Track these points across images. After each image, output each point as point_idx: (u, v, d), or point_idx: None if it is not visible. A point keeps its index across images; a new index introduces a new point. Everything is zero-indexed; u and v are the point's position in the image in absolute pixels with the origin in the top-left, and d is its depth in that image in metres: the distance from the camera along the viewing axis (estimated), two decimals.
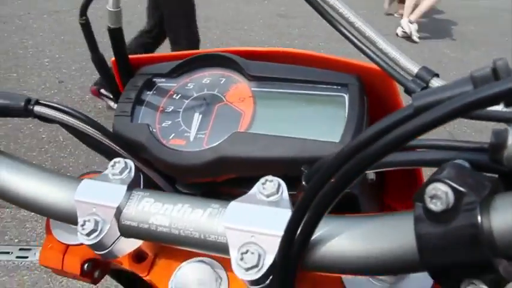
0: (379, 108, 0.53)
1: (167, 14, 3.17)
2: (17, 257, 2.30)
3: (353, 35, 0.46)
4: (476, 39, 5.47)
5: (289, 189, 0.42)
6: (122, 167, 0.46)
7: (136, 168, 0.47)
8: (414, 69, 0.43)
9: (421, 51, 4.93)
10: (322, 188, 0.32)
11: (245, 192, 0.50)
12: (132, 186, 0.45)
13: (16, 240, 2.36)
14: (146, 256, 0.53)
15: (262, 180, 0.40)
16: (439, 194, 0.29)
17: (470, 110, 0.24)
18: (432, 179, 0.30)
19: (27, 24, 4.39)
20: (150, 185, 0.55)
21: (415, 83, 0.43)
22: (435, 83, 0.42)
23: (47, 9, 4.71)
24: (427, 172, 0.44)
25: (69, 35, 4.12)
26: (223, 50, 0.57)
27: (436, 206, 0.29)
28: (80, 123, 0.51)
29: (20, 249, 2.36)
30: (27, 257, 2.29)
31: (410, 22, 5.25)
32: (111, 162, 0.46)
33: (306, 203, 0.33)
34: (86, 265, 0.57)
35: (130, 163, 0.47)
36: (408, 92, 0.43)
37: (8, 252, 2.32)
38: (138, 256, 0.53)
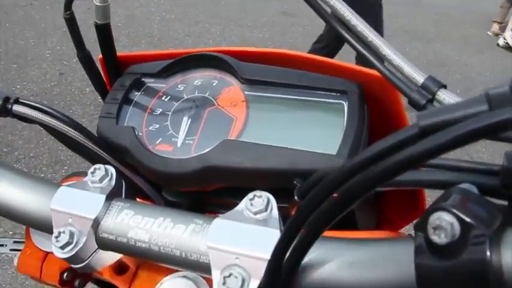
0: (380, 118, 0.50)
1: None
2: (11, 250, 2.27)
3: (355, 39, 0.43)
4: None
5: (280, 201, 0.39)
6: (102, 174, 0.42)
7: (119, 175, 0.44)
8: (420, 79, 0.39)
9: None
10: (315, 210, 0.29)
11: (235, 203, 0.47)
12: (112, 195, 0.42)
13: (11, 233, 2.34)
14: (127, 268, 0.50)
15: (250, 195, 0.37)
16: (444, 225, 0.26)
17: (488, 134, 0.21)
18: (436, 207, 0.27)
19: (29, 15, 4.35)
20: (136, 192, 0.52)
21: (420, 94, 0.39)
22: (442, 95, 0.38)
23: (49, 1, 4.67)
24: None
25: None
26: (216, 49, 0.54)
27: (439, 238, 0.26)
28: (62, 124, 0.47)
29: (14, 242, 2.32)
30: (21, 250, 2.27)
31: None
32: (91, 169, 0.43)
33: (297, 224, 0.30)
34: (65, 274, 0.54)
35: (112, 170, 0.43)
36: (412, 103, 0.40)
37: (2, 245, 2.29)
38: (119, 268, 0.50)
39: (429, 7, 6.12)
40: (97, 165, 0.43)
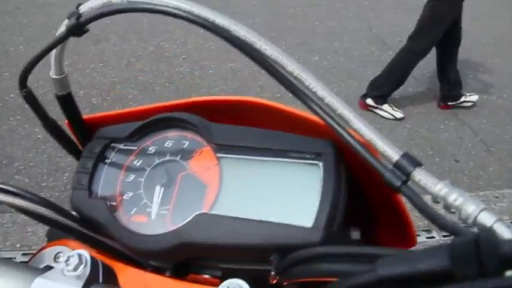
0: (358, 165, 0.49)
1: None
2: (20, 262, 2.30)
3: (324, 110, 0.40)
4: None
5: (262, 265, 0.38)
6: (76, 262, 0.42)
7: (103, 249, 0.44)
8: (394, 156, 0.37)
9: None
10: None
11: (218, 266, 0.46)
12: (89, 282, 0.42)
13: (18, 245, 2.36)
14: None
15: (223, 286, 0.37)
16: None
17: None
18: None
19: (16, 20, 4.31)
20: (120, 256, 0.52)
21: (394, 175, 0.37)
22: (418, 175, 0.36)
23: (36, 3, 4.61)
24: None
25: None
26: (183, 102, 0.53)
27: None
28: (31, 204, 0.47)
29: (23, 254, 2.36)
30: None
31: None
32: (65, 257, 0.43)
33: None
34: None
35: (86, 255, 0.43)
36: (387, 184, 0.38)
37: (11, 258, 2.32)
38: None
39: None
40: (70, 253, 0.43)
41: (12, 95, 3.33)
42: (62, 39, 0.46)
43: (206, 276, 0.52)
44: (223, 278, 0.39)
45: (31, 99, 0.53)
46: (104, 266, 0.45)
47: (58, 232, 0.58)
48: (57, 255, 0.56)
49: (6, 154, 2.84)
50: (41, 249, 0.58)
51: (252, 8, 4.95)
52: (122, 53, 3.89)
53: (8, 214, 2.46)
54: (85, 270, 0.42)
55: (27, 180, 2.68)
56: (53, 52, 0.49)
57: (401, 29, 4.38)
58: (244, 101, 0.53)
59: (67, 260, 0.43)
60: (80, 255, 0.43)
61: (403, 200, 0.51)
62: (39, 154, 2.88)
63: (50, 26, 4.16)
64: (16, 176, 2.69)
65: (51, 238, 0.63)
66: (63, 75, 0.52)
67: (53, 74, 0.52)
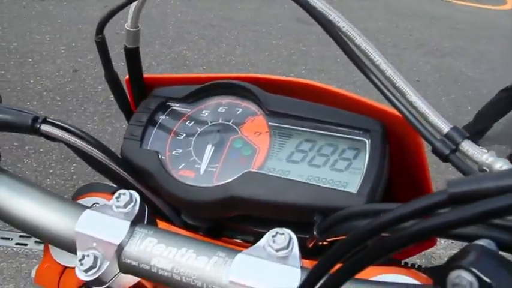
0: (400, 155, 0.51)
1: None
2: (17, 244, 2.30)
3: (382, 83, 0.44)
4: None
5: (300, 232, 0.40)
6: (127, 200, 0.44)
7: (142, 199, 0.45)
8: (444, 128, 0.40)
9: None
10: (338, 259, 0.30)
11: (252, 230, 0.47)
12: (136, 221, 0.43)
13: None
14: None
15: (272, 232, 0.38)
16: (464, 284, 0.27)
17: None
18: (456, 265, 0.28)
19: (46, 10, 4.39)
20: (156, 212, 0.53)
21: (444, 144, 0.40)
22: (466, 146, 0.39)
23: None
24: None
25: (87, 24, 4.12)
26: (242, 76, 0.55)
27: None
28: (87, 145, 0.49)
29: (20, 236, 2.36)
30: (26, 245, 2.29)
31: None
32: (116, 194, 0.44)
33: (321, 271, 0.31)
34: None
35: (136, 196, 0.45)
36: (436, 152, 0.41)
37: (8, 238, 2.32)
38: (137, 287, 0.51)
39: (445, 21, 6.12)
40: (122, 191, 0.44)
41: (32, 81, 3.37)
42: None
43: (238, 240, 0.53)
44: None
45: (103, 47, 0.55)
46: (149, 211, 0.46)
47: (87, 190, 0.59)
48: (94, 204, 0.57)
49: (17, 136, 2.86)
50: (74, 200, 0.59)
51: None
52: (144, 56, 3.89)
53: None
54: (133, 209, 0.44)
55: (35, 165, 2.69)
56: (134, 4, 0.51)
57: (420, 69, 4.44)
58: (298, 82, 0.54)
59: (118, 197, 0.44)
60: (131, 194, 0.44)
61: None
62: (49, 141, 2.90)
63: (77, 20, 4.24)
64: (25, 160, 2.71)
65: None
66: (137, 29, 0.55)
67: (128, 26, 0.54)
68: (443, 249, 2.38)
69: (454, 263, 0.28)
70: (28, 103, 3.16)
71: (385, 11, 5.90)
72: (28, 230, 0.47)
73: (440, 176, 2.86)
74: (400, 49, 5.13)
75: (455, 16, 6.37)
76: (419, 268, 0.46)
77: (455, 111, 3.81)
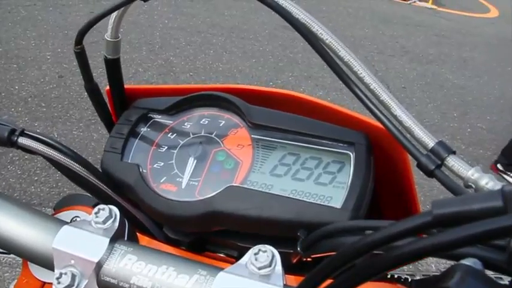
0: (385, 166, 0.50)
1: None
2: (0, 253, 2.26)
3: (367, 96, 0.43)
4: None
5: (284, 246, 0.39)
6: (106, 215, 0.42)
7: (123, 213, 0.44)
8: (430, 142, 0.40)
9: None
10: (324, 279, 0.29)
11: (235, 245, 0.47)
12: (116, 238, 0.42)
13: None
14: None
15: (255, 249, 0.37)
16: None
17: (503, 236, 0.22)
18: (442, 286, 0.27)
19: (32, 15, 4.35)
20: (137, 226, 0.52)
21: (429, 159, 0.39)
22: (451, 161, 0.38)
23: (53, 2, 4.67)
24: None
25: (73, 30, 4.07)
26: (225, 87, 0.55)
27: None
28: (66, 158, 0.48)
29: None
30: (10, 254, 2.25)
31: None
32: (95, 209, 0.43)
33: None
34: None
35: (116, 211, 0.43)
36: (420, 167, 0.40)
37: None
38: None
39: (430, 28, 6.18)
40: (101, 206, 0.43)
41: (17, 87, 3.33)
42: (127, 2, 0.47)
43: (222, 255, 0.52)
44: (239, 259, 0.39)
45: (82, 58, 0.54)
46: (129, 226, 0.45)
47: (68, 202, 0.58)
48: (74, 218, 0.56)
49: None
50: (55, 213, 0.58)
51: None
52: (131, 62, 3.92)
53: None
54: (113, 225, 0.42)
55: (19, 172, 2.65)
56: (114, 15, 0.50)
57: (405, 75, 4.47)
58: (282, 94, 0.54)
59: (97, 212, 0.43)
60: (110, 209, 0.43)
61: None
62: None
63: (63, 25, 4.21)
64: (9, 166, 2.67)
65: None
66: (118, 39, 0.54)
67: (108, 37, 0.53)
68: None
69: (440, 283, 0.28)
70: (13, 109, 3.12)
71: (371, 18, 5.95)
72: (3, 246, 0.45)
73: (427, 183, 2.88)
74: (386, 56, 5.16)
75: (440, 24, 6.45)
76: (406, 282, 0.46)
77: (440, 117, 3.85)
